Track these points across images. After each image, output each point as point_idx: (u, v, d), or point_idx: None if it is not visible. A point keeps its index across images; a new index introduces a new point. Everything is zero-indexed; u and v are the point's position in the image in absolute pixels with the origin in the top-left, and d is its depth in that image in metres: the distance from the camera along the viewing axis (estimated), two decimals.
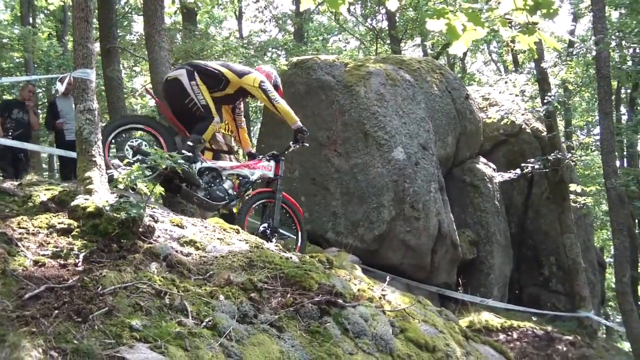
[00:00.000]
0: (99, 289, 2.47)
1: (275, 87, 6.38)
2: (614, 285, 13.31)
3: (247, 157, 6.58)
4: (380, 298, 3.71)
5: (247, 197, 6.01)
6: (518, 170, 11.38)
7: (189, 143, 5.68)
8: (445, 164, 11.96)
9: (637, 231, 17.89)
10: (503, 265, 12.11)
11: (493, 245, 11.84)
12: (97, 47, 11.38)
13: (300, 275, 3.20)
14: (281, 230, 6.01)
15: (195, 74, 5.86)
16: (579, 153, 14.66)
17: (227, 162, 6.32)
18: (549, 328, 10.23)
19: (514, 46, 8.63)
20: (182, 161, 4.69)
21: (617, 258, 9.87)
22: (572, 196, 12.31)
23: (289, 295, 2.96)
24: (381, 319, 3.30)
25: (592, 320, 11.22)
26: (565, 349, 9.25)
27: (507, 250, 12.42)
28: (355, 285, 3.65)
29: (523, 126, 13.83)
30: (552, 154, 11.30)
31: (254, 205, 5.92)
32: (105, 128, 5.65)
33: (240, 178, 6.10)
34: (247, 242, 3.65)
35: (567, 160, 11.61)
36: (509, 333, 9.33)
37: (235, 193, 6.01)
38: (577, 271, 11.39)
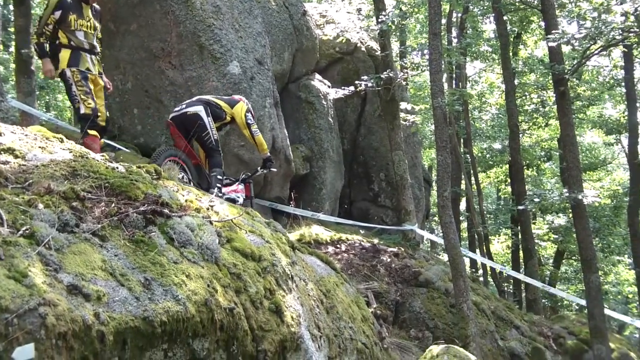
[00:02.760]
0: None
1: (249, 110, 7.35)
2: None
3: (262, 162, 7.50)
4: (207, 209, 3.89)
5: None
6: (352, 88, 11.97)
7: (219, 177, 6.73)
8: (281, 79, 12.21)
9: (461, 150, 19.75)
10: (335, 181, 12.90)
11: (326, 161, 12.52)
12: None
13: (126, 185, 3.26)
14: None
15: (209, 109, 6.91)
16: (411, 73, 15.67)
17: (228, 187, 7.12)
18: (376, 241, 11.21)
19: None
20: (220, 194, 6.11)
21: (439, 173, 10.89)
22: (402, 114, 13.27)
23: (113, 205, 3.02)
24: (208, 229, 3.49)
25: (415, 233, 12.45)
26: (389, 259, 10.22)
27: (339, 166, 13.20)
28: (183, 196, 3.78)
29: (358, 44, 14.42)
30: (385, 73, 12.00)
31: None
32: (155, 158, 6.39)
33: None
34: (71, 151, 3.58)
35: (398, 80, 12.40)
36: (338, 245, 10.10)
37: None
38: (404, 186, 12.44)
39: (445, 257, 16.48)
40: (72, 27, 5.98)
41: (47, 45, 5.96)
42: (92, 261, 2.60)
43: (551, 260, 24.44)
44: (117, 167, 3.63)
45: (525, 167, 20.31)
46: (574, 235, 12.88)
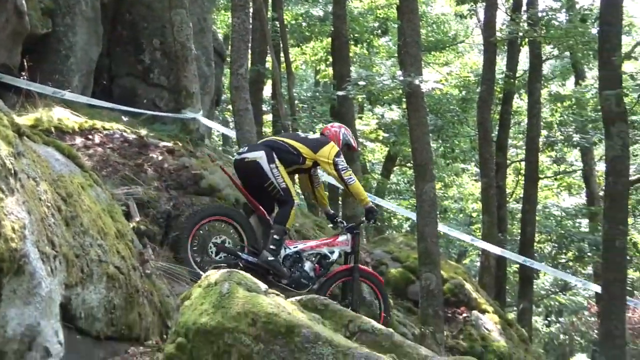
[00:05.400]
0: None
1: (347, 146, 8.48)
2: None
3: (325, 217, 8.68)
4: None
5: (325, 278, 8.01)
6: None
7: (275, 237, 7.48)
8: None
9: (269, 15, 19.87)
10: (88, 47, 12.46)
11: (76, 17, 12.04)
12: None
13: None
14: None
15: (274, 154, 7.64)
16: None
17: (307, 242, 8.22)
18: (144, 132, 11.11)
19: None
20: (272, 258, 7.37)
21: (235, 43, 10.89)
22: None
23: None
24: None
25: (199, 124, 12.54)
26: (161, 158, 10.24)
27: (95, 26, 12.74)
28: None
29: None
30: None
31: (333, 286, 8.12)
32: (187, 221, 7.72)
33: (321, 258, 7.98)
34: None
35: None
36: (90, 136, 9.89)
37: (316, 275, 7.89)
38: (185, 60, 12.29)
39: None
40: None
41: None
42: None
43: (380, 167, 26.06)
44: None
45: (352, 42, 21.02)
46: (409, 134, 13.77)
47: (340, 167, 7.90)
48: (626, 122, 10.05)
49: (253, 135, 9.78)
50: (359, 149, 17.38)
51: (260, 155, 7.64)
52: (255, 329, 4.39)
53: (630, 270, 22.28)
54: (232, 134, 14.96)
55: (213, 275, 4.86)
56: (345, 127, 8.71)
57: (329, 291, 7.97)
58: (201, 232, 7.80)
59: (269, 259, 7.17)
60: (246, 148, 8.02)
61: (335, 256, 8.07)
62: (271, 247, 7.48)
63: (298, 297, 5.35)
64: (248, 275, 4.93)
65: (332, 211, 8.81)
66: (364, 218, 8.36)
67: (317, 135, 8.65)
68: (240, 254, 7.67)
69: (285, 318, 4.47)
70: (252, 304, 4.50)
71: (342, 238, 8.23)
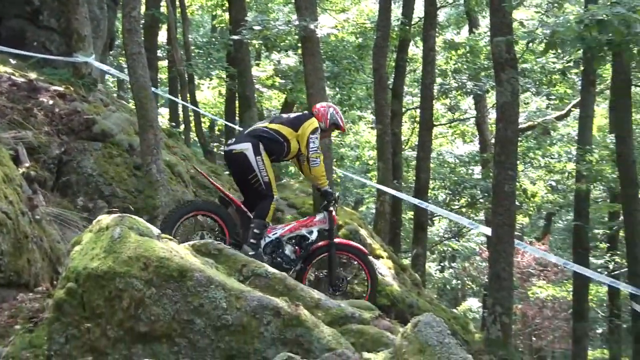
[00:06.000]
0: None
1: (335, 125, 8.56)
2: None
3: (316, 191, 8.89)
4: None
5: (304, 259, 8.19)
6: None
7: (255, 231, 7.69)
8: None
9: None
10: None
11: None
12: None
13: None
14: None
15: (261, 145, 7.81)
16: None
17: (285, 227, 8.30)
18: (34, 75, 10.83)
19: None
20: (252, 252, 7.27)
21: None
22: None
23: None
24: None
25: (91, 67, 12.26)
26: (51, 102, 10.01)
27: None
28: None
29: None
30: None
31: (311, 263, 8.37)
32: (169, 216, 7.68)
33: (300, 240, 8.18)
34: None
35: None
36: None
37: (297, 257, 8.09)
38: (76, 2, 12.00)
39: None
40: None
41: None
42: None
43: (277, 114, 26.03)
44: None
45: None
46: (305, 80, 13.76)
47: (311, 145, 8.04)
48: (516, 68, 10.27)
49: (147, 80, 9.60)
50: (256, 95, 17.41)
51: (247, 147, 7.78)
52: (147, 273, 4.40)
53: (520, 216, 23.19)
54: (126, 77, 14.67)
55: (104, 219, 4.82)
56: (334, 107, 8.71)
57: (308, 270, 8.33)
58: (183, 227, 7.89)
59: (250, 253, 7.11)
60: (234, 139, 8.15)
61: (314, 236, 8.22)
62: (251, 241, 7.66)
63: (191, 242, 5.37)
64: (140, 219, 4.92)
65: (326, 188, 8.49)
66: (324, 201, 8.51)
67: (303, 113, 8.74)
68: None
69: (178, 262, 4.50)
70: (144, 249, 4.50)
71: (319, 217, 8.42)
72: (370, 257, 9.16)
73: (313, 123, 8.16)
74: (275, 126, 8.11)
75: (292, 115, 8.68)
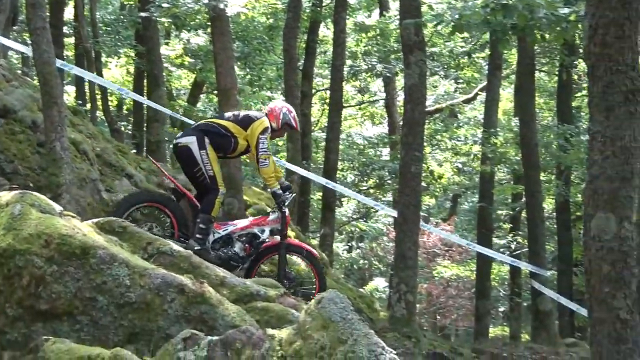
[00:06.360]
0: None
1: (288, 125, 8.46)
2: None
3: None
4: None
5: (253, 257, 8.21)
6: None
7: (201, 226, 7.70)
8: None
9: None
10: None
11: None
12: None
13: None
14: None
15: (206, 139, 7.81)
16: None
17: (237, 224, 8.33)
18: None
19: None
20: (198, 247, 7.36)
21: None
22: None
23: None
24: None
25: None
26: None
27: None
28: None
29: None
30: None
31: (260, 262, 8.46)
32: (119, 205, 7.86)
33: (251, 238, 8.14)
34: None
35: None
36: None
37: (247, 255, 8.07)
38: None
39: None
40: None
41: None
42: None
43: (186, 94, 25.80)
44: None
45: None
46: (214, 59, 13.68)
47: (260, 146, 7.97)
48: (424, 51, 10.43)
49: (51, 56, 9.37)
50: (165, 74, 17.21)
51: (191, 141, 7.81)
52: (48, 251, 4.35)
53: (427, 197, 23.67)
54: (29, 52, 14.30)
55: (4, 196, 4.73)
56: (288, 107, 8.65)
57: (256, 268, 8.38)
58: (130, 219, 7.57)
59: (196, 248, 7.19)
60: (181, 133, 8.28)
61: (265, 235, 8.22)
62: (197, 236, 7.68)
63: (95, 220, 5.32)
64: (42, 196, 4.85)
65: (281, 191, 8.38)
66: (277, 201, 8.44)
67: (254, 112, 8.68)
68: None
69: (80, 239, 4.46)
70: (46, 226, 4.45)
71: (272, 217, 8.38)
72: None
73: (263, 123, 8.13)
74: (224, 122, 8.11)
75: (243, 113, 8.51)
